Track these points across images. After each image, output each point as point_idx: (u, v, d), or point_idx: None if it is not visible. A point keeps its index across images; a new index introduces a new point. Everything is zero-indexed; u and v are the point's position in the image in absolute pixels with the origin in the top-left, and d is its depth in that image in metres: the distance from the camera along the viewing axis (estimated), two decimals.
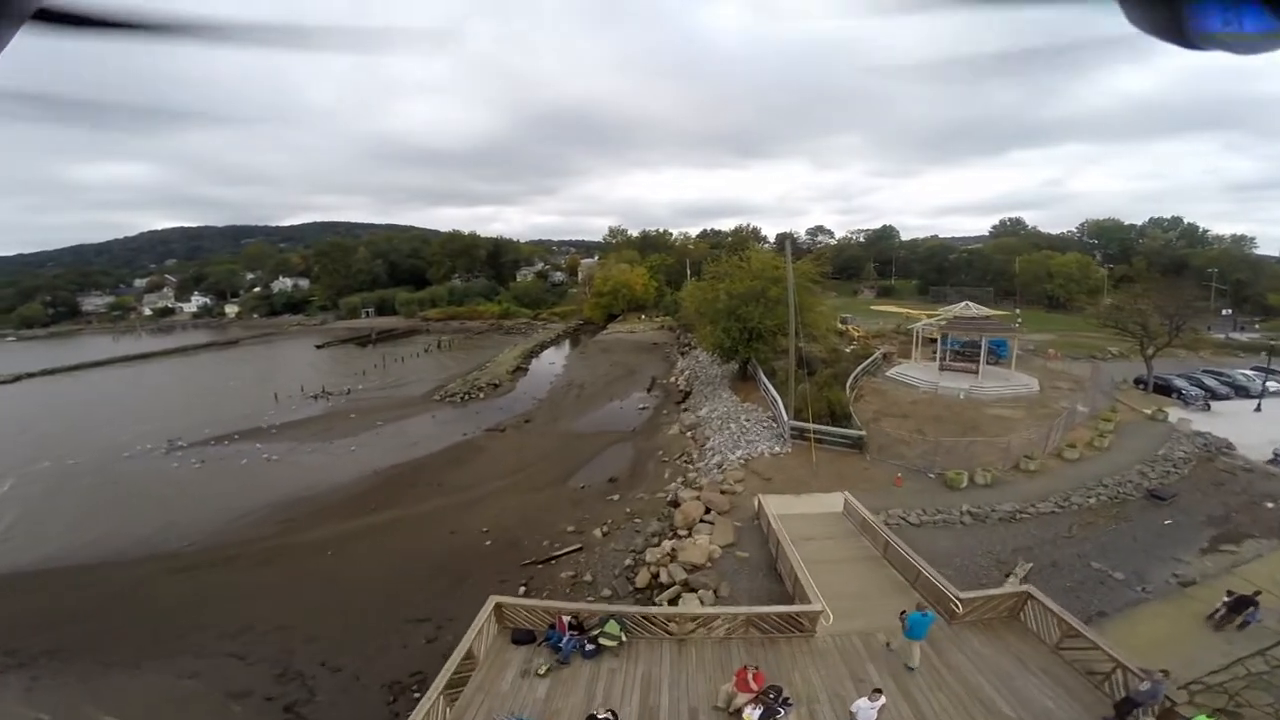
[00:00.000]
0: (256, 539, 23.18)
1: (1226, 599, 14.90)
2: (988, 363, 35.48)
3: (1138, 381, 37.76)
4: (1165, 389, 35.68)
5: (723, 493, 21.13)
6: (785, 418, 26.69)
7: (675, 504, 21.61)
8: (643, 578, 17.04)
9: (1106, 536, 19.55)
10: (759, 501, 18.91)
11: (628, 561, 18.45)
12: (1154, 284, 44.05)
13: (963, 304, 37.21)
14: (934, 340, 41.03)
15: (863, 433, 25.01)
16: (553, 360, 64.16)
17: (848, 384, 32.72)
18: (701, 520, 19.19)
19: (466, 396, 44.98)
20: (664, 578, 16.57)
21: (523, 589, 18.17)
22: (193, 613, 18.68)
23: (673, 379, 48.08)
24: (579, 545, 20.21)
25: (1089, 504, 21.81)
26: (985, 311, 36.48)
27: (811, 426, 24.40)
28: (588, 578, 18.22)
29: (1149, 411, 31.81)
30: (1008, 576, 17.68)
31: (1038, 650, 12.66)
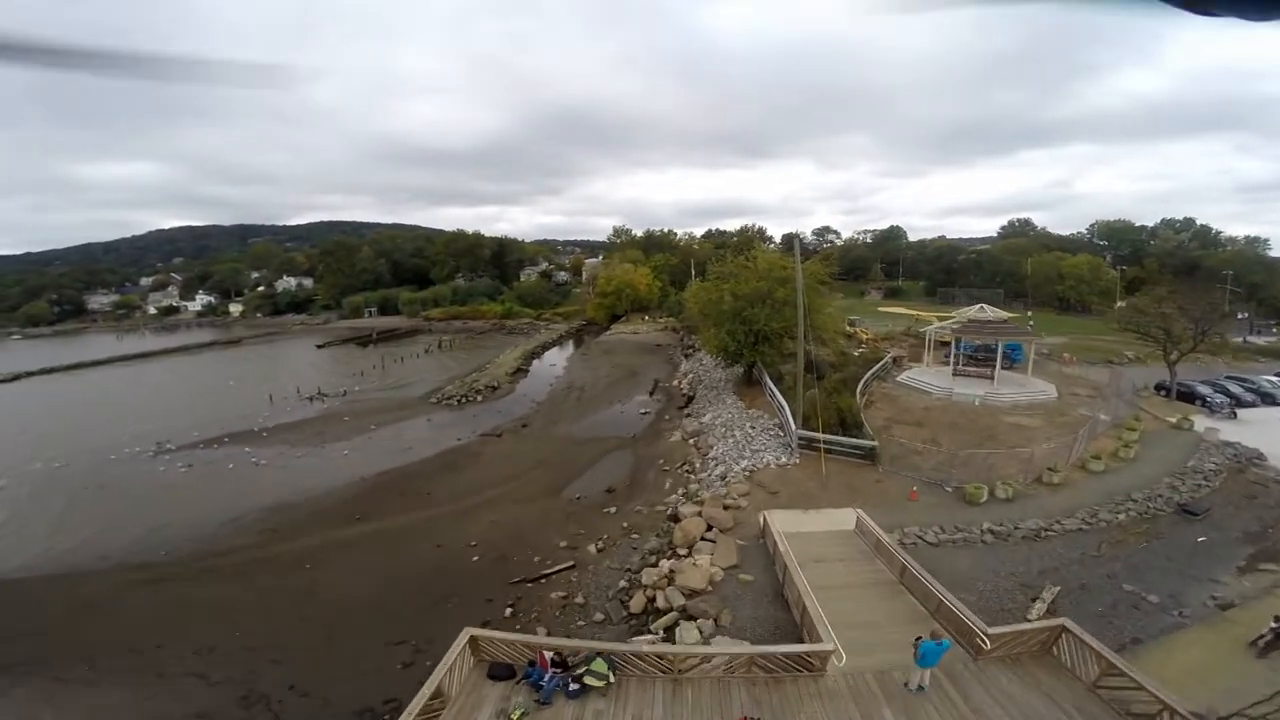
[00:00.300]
0: (234, 549, 22.13)
1: (1275, 624, 13.76)
2: (1002, 368, 34.11)
3: (1158, 388, 36.34)
4: (1188, 396, 34.30)
5: (726, 508, 19.77)
6: (793, 426, 25.36)
7: (675, 519, 20.31)
8: (638, 602, 15.75)
9: (1138, 556, 18.27)
10: (764, 519, 17.60)
11: (622, 583, 17.12)
12: (1179, 286, 42.33)
13: (977, 307, 35.76)
14: (945, 344, 39.69)
15: (875, 443, 23.62)
16: (554, 361, 63.03)
17: (858, 390, 31.38)
18: (702, 538, 17.85)
19: (464, 399, 43.86)
20: (660, 603, 15.29)
21: (509, 610, 16.99)
22: (160, 627, 17.70)
23: (676, 382, 46.83)
24: (571, 563, 18.91)
25: (1118, 520, 20.51)
26: (1001, 314, 35.01)
27: (821, 436, 23.06)
28: (579, 599, 16.94)
29: (1173, 420, 30.47)
30: (1034, 601, 16.45)
31: (1072, 689, 11.40)
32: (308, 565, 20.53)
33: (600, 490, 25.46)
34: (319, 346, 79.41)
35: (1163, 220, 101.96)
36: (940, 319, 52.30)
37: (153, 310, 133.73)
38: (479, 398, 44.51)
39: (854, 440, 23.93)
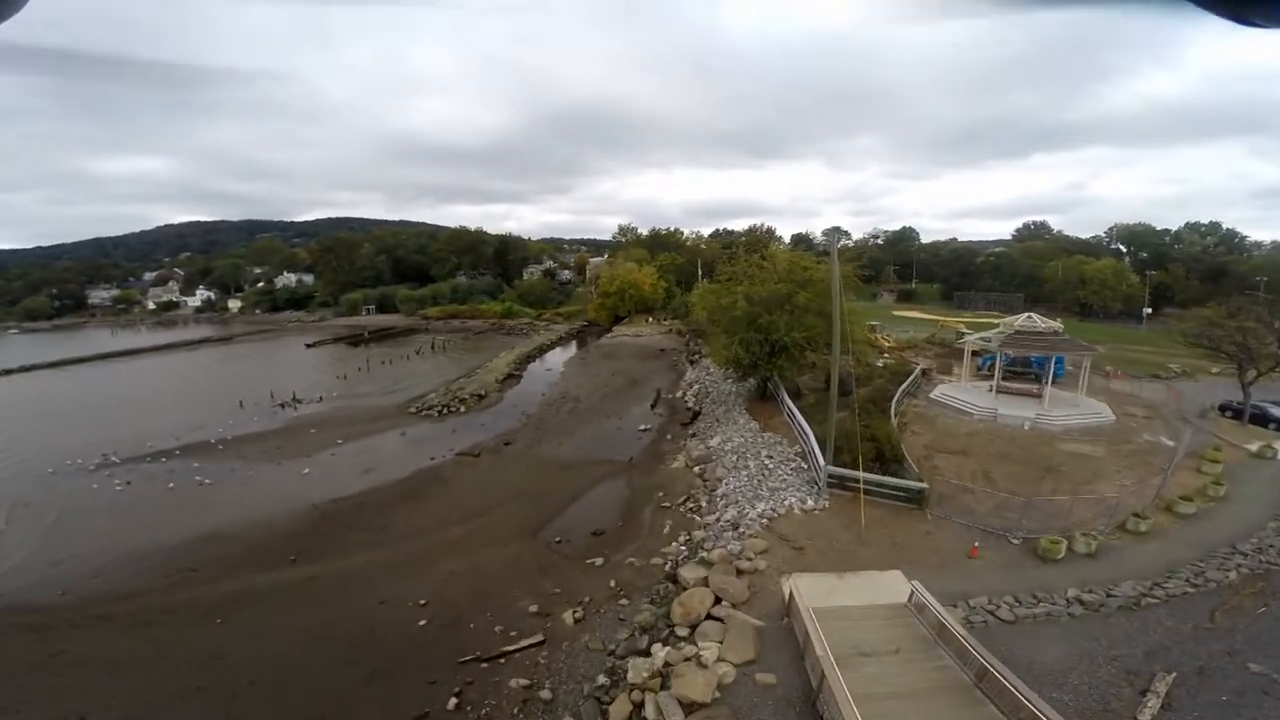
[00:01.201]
0: (142, 592, 18.40)
1: None
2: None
3: (1223, 409, 32.08)
4: (1260, 418, 30.24)
5: (739, 573, 15.45)
6: (821, 460, 21.00)
7: (674, 579, 16.18)
8: (620, 708, 11.53)
9: (1258, 623, 14.46)
10: (789, 588, 13.46)
11: (602, 677, 12.91)
12: (1260, 299, 37.79)
13: (1025, 315, 31.46)
14: (975, 354, 35.51)
15: (925, 485, 19.23)
16: (550, 366, 59.01)
17: (891, 409, 27.05)
18: (709, 616, 13.74)
19: (445, 409, 39.71)
20: (649, 712, 11.23)
21: (454, 700, 12.98)
22: (24, 689, 14.37)
23: (680, 393, 42.43)
24: (540, 637, 14.73)
25: (1228, 579, 16.44)
26: (1053, 324, 30.67)
27: (861, 475, 18.74)
28: (545, 693, 12.84)
29: (1253, 448, 26.35)
30: (1144, 695, 12.45)
31: None
32: (219, 620, 16.64)
33: (585, 532, 21.19)
34: (308, 346, 76.08)
35: (1187, 224, 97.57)
36: (967, 325, 47.92)
37: (152, 305, 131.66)
38: (462, 408, 40.36)
39: (899, 481, 19.56)
